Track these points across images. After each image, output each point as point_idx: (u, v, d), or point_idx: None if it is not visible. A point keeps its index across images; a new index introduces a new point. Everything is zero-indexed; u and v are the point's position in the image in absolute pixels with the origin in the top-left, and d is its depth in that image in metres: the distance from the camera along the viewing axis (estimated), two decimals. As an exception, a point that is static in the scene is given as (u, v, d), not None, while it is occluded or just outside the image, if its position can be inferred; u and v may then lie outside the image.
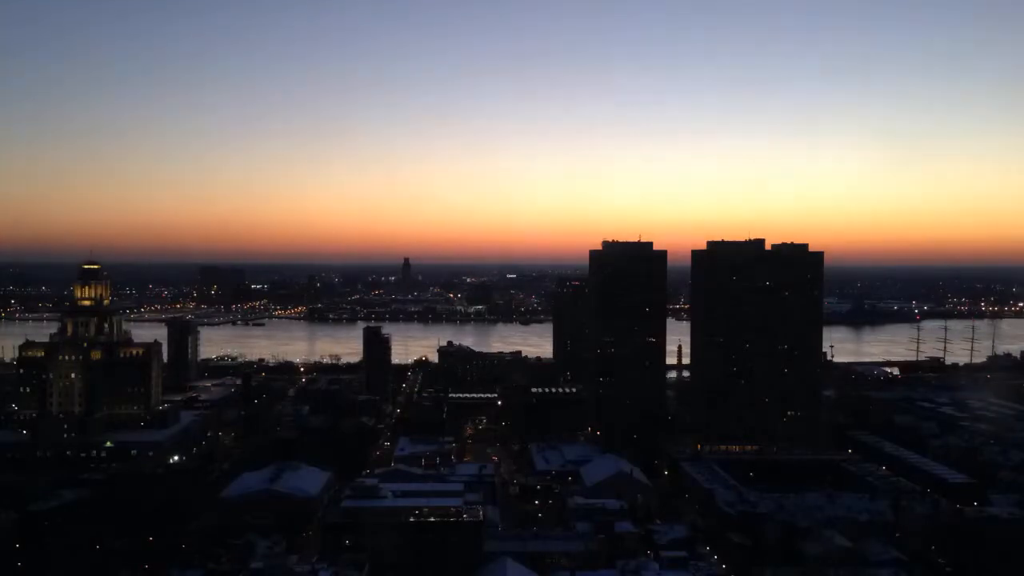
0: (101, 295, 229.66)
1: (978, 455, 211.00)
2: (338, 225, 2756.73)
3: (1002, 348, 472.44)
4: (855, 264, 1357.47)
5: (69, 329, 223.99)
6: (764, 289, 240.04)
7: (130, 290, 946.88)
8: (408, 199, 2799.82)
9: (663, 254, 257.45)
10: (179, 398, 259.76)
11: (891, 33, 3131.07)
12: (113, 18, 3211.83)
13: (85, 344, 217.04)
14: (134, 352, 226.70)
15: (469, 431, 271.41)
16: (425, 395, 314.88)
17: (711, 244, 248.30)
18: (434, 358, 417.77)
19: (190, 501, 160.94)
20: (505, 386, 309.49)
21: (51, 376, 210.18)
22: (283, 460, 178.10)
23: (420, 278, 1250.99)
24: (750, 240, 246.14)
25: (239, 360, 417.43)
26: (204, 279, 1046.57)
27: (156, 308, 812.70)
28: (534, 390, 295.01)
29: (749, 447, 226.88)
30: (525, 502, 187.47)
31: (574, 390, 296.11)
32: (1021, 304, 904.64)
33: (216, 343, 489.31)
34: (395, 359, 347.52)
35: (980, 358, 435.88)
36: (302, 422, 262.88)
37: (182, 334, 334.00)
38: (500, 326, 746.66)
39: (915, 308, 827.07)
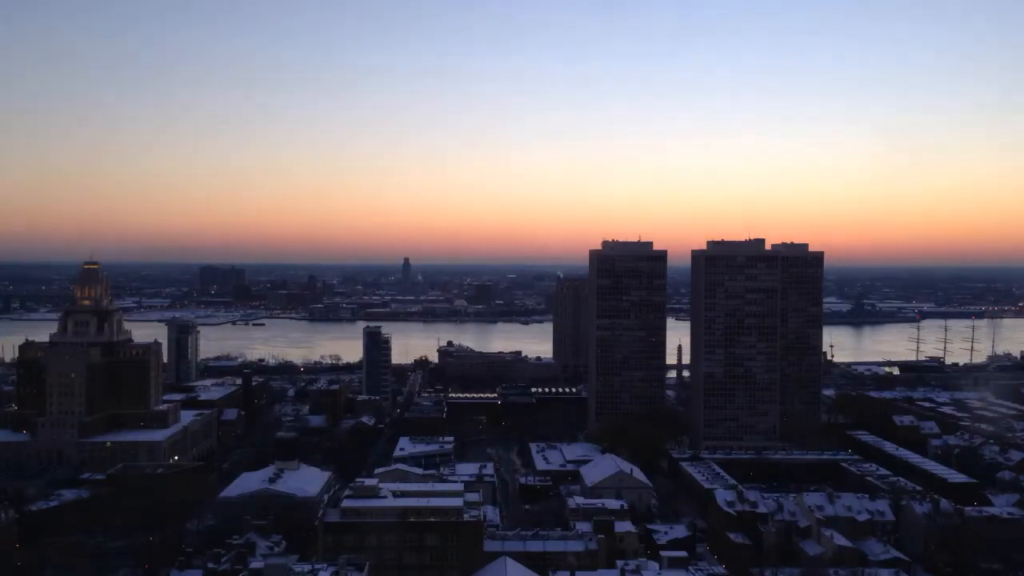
0: (101, 295, 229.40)
1: (978, 455, 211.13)
2: (338, 225, 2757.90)
3: (1002, 348, 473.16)
4: (855, 264, 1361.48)
5: (69, 329, 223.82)
6: (764, 289, 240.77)
7: (130, 290, 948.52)
8: (408, 199, 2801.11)
9: (663, 254, 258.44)
10: (179, 398, 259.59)
11: (892, 32, 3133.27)
12: (114, 18, 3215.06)
13: (85, 344, 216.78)
14: (134, 352, 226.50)
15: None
16: (425, 395, 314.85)
17: (711, 244, 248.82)
18: (434, 358, 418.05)
19: (190, 501, 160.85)
20: (505, 386, 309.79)
21: (51, 376, 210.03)
22: (283, 460, 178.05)
23: (420, 278, 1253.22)
24: (750, 240, 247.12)
25: (239, 360, 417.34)
26: (204, 279, 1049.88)
27: (156, 308, 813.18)
28: (534, 390, 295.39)
29: (749, 447, 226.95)
30: (525, 502, 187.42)
31: (574, 390, 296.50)
32: (1021, 304, 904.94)
33: (216, 343, 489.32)
34: (395, 359, 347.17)
35: (980, 358, 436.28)
36: (302, 422, 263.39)
37: (182, 334, 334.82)
38: (500, 326, 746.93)
39: (915, 308, 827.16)
